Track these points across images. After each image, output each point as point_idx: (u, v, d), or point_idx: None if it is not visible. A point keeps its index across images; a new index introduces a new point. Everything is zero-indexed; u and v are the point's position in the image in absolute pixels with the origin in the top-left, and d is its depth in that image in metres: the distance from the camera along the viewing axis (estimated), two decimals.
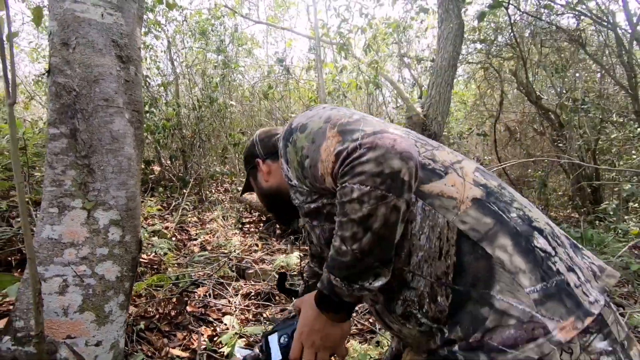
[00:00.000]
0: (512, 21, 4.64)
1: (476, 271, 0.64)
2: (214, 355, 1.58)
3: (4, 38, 0.74)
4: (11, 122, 0.82)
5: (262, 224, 3.65)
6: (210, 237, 3.03)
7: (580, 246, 0.71)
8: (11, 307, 1.28)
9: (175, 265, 2.32)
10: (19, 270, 1.80)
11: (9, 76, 0.76)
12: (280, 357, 0.75)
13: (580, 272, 0.64)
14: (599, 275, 0.65)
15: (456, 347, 0.66)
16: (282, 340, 0.76)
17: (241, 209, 3.77)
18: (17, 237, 1.91)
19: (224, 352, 1.63)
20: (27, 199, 2.11)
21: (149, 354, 1.51)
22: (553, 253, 0.64)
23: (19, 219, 2.13)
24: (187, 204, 3.50)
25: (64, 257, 1.08)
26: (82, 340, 1.08)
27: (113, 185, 1.14)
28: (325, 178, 0.69)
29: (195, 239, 2.98)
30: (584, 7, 4.66)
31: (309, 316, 0.72)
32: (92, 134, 1.12)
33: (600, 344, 0.57)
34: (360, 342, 1.81)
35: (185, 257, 2.52)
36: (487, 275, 0.63)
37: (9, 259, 1.84)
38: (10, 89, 0.78)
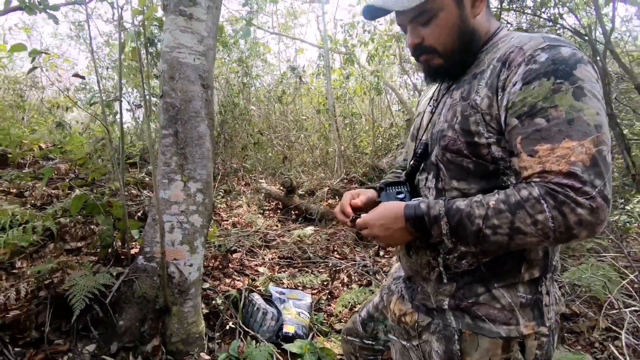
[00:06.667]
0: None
1: (502, 269, 0.79)
2: (254, 289, 2.24)
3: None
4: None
5: (279, 211, 4.30)
6: (238, 218, 3.70)
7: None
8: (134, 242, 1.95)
9: (216, 235, 2.98)
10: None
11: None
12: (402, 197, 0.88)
13: (550, 297, 0.82)
14: (558, 302, 0.86)
15: (446, 305, 0.84)
16: (398, 196, 0.88)
17: (261, 198, 4.43)
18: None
19: (260, 289, 2.28)
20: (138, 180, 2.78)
21: (211, 287, 2.17)
22: (548, 276, 0.82)
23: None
24: (217, 194, 4.17)
25: (171, 210, 1.73)
26: (182, 262, 1.74)
27: (199, 166, 1.79)
28: (521, 156, 0.69)
29: (227, 220, 3.64)
30: (564, 21, 5.22)
31: (390, 216, 0.81)
32: (186, 134, 1.77)
33: (545, 343, 0.81)
34: (359, 287, 2.45)
35: (223, 231, 3.19)
36: (503, 275, 0.79)
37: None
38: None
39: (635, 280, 1.76)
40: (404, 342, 0.95)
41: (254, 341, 1.75)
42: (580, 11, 5.35)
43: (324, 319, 2.20)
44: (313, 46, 7.09)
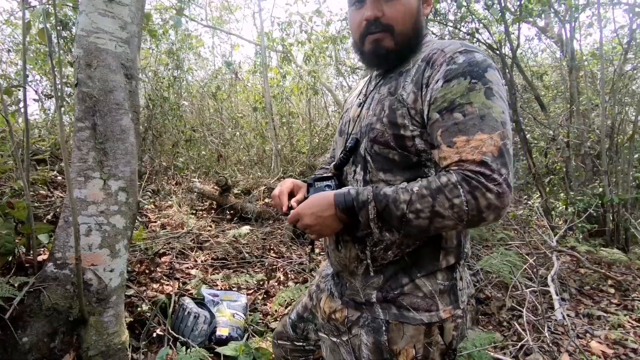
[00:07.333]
0: None
1: (423, 258, 0.86)
2: (185, 293, 2.13)
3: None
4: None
5: (213, 211, 4.15)
6: (168, 220, 3.48)
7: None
8: (43, 248, 1.72)
9: (143, 238, 2.78)
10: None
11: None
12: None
13: (463, 281, 0.91)
14: (469, 285, 0.95)
15: (374, 298, 0.88)
16: (326, 189, 0.90)
17: (194, 198, 4.23)
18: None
19: (192, 292, 2.17)
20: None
21: (136, 294, 2.01)
22: (461, 263, 0.91)
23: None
24: (145, 194, 3.88)
25: (88, 211, 1.57)
26: (101, 267, 1.58)
27: (121, 163, 1.65)
28: (441, 147, 0.75)
29: (155, 221, 3.41)
30: (480, 36, 5.82)
31: (321, 204, 0.84)
32: (107, 128, 1.62)
33: (460, 324, 0.89)
34: (295, 285, 2.47)
35: (150, 233, 2.98)
36: (424, 263, 0.86)
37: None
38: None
39: (534, 264, 2.03)
40: (334, 339, 0.97)
41: (184, 347, 1.66)
42: (493, 27, 6.00)
43: (260, 319, 2.18)
44: (250, 42, 6.95)
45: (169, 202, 3.98)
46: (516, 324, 2.27)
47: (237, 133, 6.02)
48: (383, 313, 0.87)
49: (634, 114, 4.98)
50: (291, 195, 1.01)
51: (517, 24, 5.55)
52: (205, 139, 5.69)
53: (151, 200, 3.82)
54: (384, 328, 0.86)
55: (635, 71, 5.37)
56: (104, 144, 1.61)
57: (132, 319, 1.80)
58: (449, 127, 0.75)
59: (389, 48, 0.87)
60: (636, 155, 5.47)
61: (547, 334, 1.65)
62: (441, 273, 0.87)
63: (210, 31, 8.18)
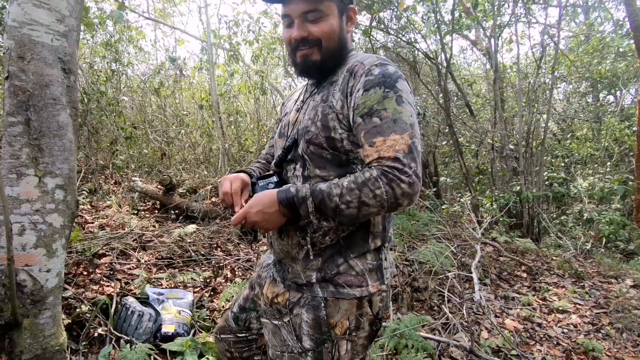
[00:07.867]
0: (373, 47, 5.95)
1: (355, 241, 0.99)
2: (127, 293, 2.09)
3: None
4: None
5: (157, 211, 4.02)
6: (107, 220, 3.33)
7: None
8: None
9: (79, 239, 2.65)
10: None
11: None
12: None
13: (387, 261, 1.05)
14: (391, 265, 1.09)
15: (314, 279, 0.99)
16: (269, 186, 1.02)
17: (135, 197, 4.06)
18: None
19: (135, 292, 2.14)
20: None
21: (74, 295, 1.94)
22: (386, 245, 1.05)
23: None
24: (80, 193, 3.66)
25: (22, 209, 1.51)
26: (37, 268, 1.53)
27: (59, 160, 1.60)
28: (364, 146, 0.89)
29: (93, 222, 3.24)
30: (418, 45, 6.28)
31: (265, 202, 0.94)
32: (42, 123, 1.56)
33: (385, 297, 1.03)
34: (242, 281, 2.52)
35: (87, 235, 2.84)
36: (357, 246, 1.00)
37: None
38: None
39: (455, 251, 2.30)
40: (276, 322, 1.06)
41: (128, 345, 1.65)
42: (429, 38, 6.48)
43: (207, 315, 2.20)
44: (195, 39, 6.76)
45: (108, 202, 3.79)
46: (445, 307, 2.55)
47: (182, 131, 5.85)
48: (322, 291, 0.99)
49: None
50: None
51: (451, 36, 6.08)
52: (147, 136, 5.46)
53: (88, 200, 3.62)
54: (322, 304, 0.98)
55: (546, 83, 6.14)
56: (39, 140, 1.55)
57: (70, 321, 1.74)
58: (370, 130, 0.89)
59: (316, 61, 1.00)
60: (547, 157, 6.24)
61: (464, 313, 1.89)
62: (370, 254, 1.01)
63: (153, 24, 7.81)
